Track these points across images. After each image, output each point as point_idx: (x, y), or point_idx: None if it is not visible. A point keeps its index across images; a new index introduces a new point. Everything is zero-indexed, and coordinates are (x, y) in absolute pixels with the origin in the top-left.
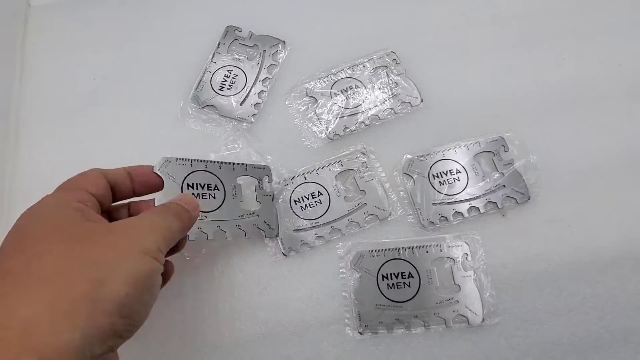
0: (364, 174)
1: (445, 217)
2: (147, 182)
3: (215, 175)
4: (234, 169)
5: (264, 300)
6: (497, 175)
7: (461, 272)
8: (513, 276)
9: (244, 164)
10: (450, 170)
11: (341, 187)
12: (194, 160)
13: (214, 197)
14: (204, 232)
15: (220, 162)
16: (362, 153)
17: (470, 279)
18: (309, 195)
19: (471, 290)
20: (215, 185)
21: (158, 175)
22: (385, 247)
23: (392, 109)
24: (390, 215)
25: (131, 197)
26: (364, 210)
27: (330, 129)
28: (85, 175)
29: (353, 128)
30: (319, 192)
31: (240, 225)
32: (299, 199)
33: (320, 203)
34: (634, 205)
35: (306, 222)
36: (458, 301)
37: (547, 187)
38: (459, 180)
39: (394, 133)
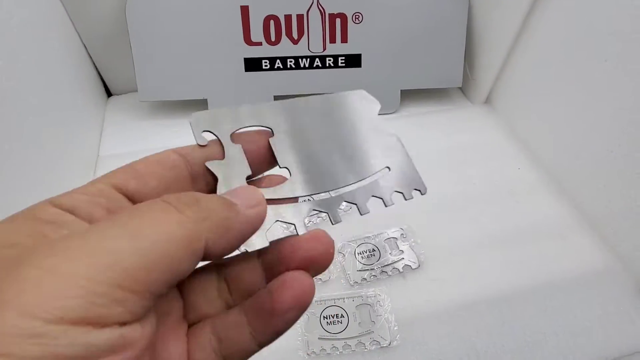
0: None
1: (365, 279)
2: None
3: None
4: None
5: None
6: (398, 251)
7: (375, 313)
8: (410, 315)
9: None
10: (369, 249)
11: None
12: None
13: None
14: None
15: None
16: None
17: (382, 318)
18: None
19: (382, 325)
20: None
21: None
22: (326, 298)
23: None
24: (329, 278)
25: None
26: None
27: None
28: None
29: None
30: None
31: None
32: None
33: None
34: (483, 267)
35: None
36: (373, 332)
37: (430, 258)
38: (374, 256)
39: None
